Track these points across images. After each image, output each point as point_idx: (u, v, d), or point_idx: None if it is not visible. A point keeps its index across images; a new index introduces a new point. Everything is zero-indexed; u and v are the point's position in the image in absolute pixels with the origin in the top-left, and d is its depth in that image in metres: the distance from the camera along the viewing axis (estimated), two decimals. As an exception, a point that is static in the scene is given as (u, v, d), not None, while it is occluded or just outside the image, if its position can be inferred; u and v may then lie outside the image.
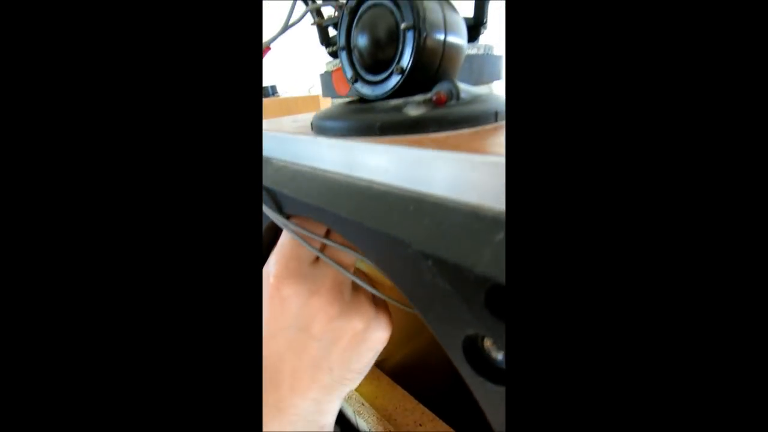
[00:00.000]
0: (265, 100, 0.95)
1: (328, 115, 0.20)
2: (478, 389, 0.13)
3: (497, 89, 0.36)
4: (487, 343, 0.13)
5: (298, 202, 0.19)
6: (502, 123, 0.18)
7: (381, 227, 0.14)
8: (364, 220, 0.14)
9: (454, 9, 0.21)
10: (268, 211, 0.22)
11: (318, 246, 0.21)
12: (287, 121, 0.30)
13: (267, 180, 0.22)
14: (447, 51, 0.19)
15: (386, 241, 0.14)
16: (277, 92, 1.01)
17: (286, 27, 0.29)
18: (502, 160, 0.11)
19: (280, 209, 0.22)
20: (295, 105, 0.83)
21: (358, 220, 0.15)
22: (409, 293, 0.14)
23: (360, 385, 0.42)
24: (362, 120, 0.17)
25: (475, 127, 0.17)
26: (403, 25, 0.17)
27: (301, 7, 0.31)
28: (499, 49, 0.35)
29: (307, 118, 0.31)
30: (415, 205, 0.14)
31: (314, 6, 0.28)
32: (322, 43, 0.35)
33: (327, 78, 0.34)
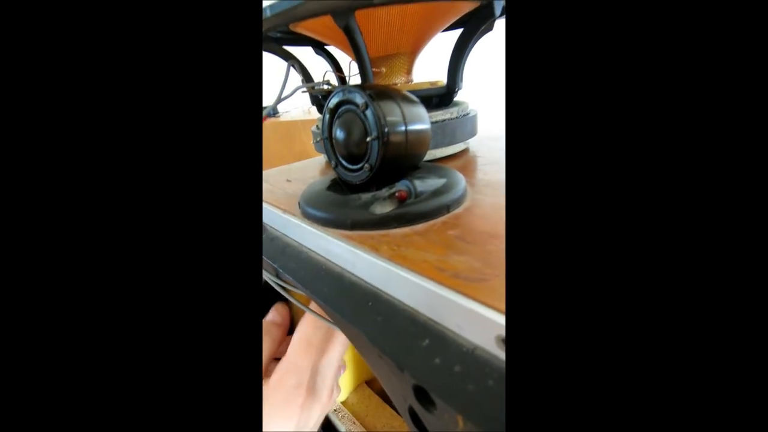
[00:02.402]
0: (265, 122, 0.99)
1: (312, 203, 0.23)
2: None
3: (473, 144, 0.39)
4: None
5: (287, 276, 0.23)
6: (453, 213, 0.22)
7: (348, 319, 0.18)
8: (335, 309, 0.18)
9: (411, 100, 0.24)
10: (266, 276, 0.26)
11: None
12: (281, 180, 0.34)
13: (265, 247, 0.26)
14: (410, 138, 0.23)
15: (350, 327, 0.18)
16: (278, 112, 1.05)
17: (280, 99, 0.33)
18: (429, 284, 0.15)
19: (276, 274, 0.26)
20: (294, 128, 0.87)
21: (330, 307, 0.19)
22: (369, 363, 0.18)
23: (352, 404, 0.46)
24: (337, 214, 0.21)
25: (428, 221, 0.21)
26: (368, 138, 0.21)
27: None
28: (474, 105, 0.39)
29: (299, 176, 0.35)
30: (373, 301, 0.18)
31: (307, 85, 0.32)
32: (313, 104, 0.39)
33: (318, 136, 0.38)
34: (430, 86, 0.35)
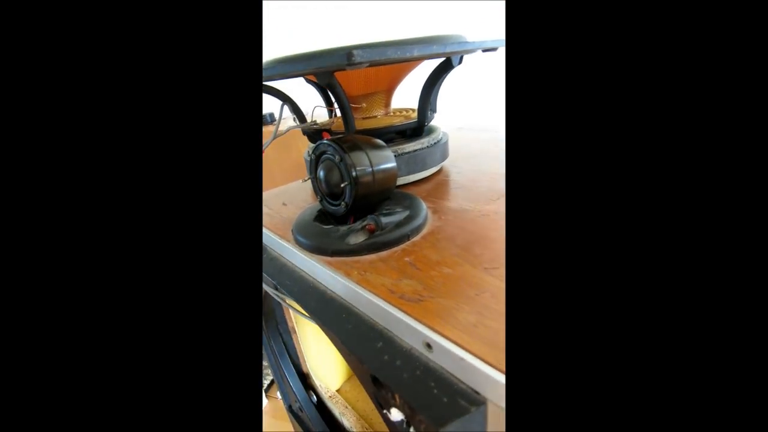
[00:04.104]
0: (265, 129, 1.04)
1: (302, 232, 0.29)
2: (383, 417, 0.23)
3: (447, 165, 0.45)
4: (384, 393, 0.23)
5: (283, 290, 0.29)
6: (413, 240, 0.28)
7: (327, 326, 0.24)
8: (319, 318, 0.24)
9: (378, 146, 0.30)
10: (267, 288, 0.32)
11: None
12: (278, 204, 0.40)
13: (266, 265, 0.32)
14: (377, 178, 0.29)
15: (329, 331, 0.24)
16: (275, 119, 1.10)
17: (275, 136, 0.39)
18: (383, 303, 0.21)
19: (275, 288, 0.32)
20: (291, 136, 0.93)
21: (316, 317, 0.25)
22: (344, 357, 0.25)
23: (344, 390, 0.53)
24: (321, 243, 0.27)
25: (392, 248, 0.27)
26: (342, 185, 0.27)
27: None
28: (446, 132, 0.44)
29: (293, 199, 0.41)
30: (346, 313, 0.24)
31: (300, 126, 0.38)
32: (304, 134, 0.45)
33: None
34: (404, 119, 0.41)
